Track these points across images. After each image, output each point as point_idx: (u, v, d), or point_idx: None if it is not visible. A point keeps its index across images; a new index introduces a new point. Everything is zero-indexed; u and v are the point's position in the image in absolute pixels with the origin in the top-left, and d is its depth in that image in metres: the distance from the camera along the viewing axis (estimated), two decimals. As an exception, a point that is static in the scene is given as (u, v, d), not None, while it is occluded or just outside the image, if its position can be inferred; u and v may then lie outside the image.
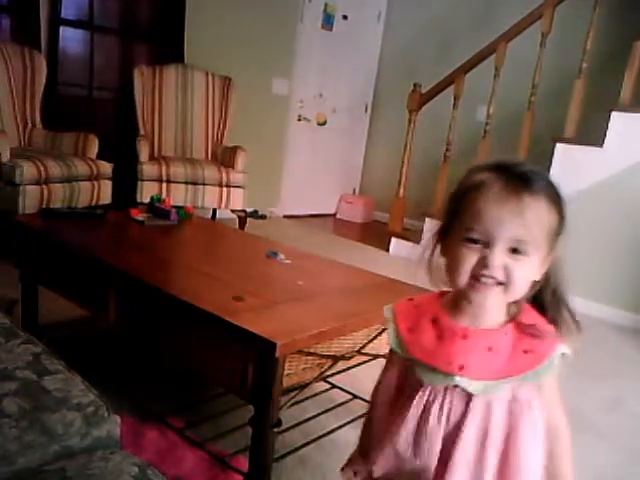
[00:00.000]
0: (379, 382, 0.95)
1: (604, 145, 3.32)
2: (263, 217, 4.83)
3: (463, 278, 0.79)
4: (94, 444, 0.95)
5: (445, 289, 0.87)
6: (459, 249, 0.79)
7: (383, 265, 3.34)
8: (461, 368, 0.81)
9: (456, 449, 0.82)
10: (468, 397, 0.82)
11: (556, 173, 3.46)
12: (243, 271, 1.81)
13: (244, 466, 1.42)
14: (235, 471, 1.45)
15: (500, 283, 0.78)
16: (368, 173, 5.79)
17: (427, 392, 0.84)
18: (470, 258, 0.78)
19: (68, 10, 3.71)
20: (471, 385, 0.81)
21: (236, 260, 1.98)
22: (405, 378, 0.89)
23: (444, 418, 0.83)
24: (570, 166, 3.44)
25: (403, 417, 0.86)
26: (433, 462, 0.84)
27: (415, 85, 4.30)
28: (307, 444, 1.61)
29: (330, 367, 1.48)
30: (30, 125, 3.46)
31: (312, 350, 1.38)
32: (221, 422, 1.66)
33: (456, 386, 0.82)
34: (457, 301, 0.84)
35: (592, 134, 3.41)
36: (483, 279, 0.78)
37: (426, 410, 0.84)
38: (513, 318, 0.83)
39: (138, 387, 1.86)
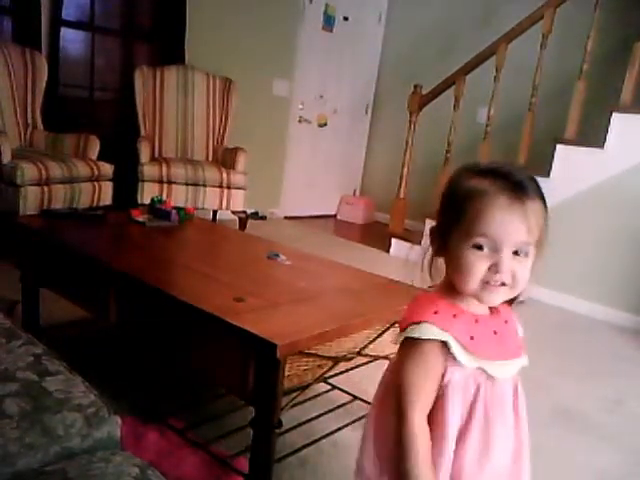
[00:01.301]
0: (444, 427, 0.86)
1: (605, 146, 3.32)
2: (264, 218, 4.83)
3: (474, 284, 0.84)
4: (95, 445, 0.95)
5: (437, 284, 0.92)
6: (467, 256, 0.83)
7: (383, 266, 3.33)
8: (520, 349, 0.92)
9: (520, 430, 0.91)
10: (515, 377, 0.92)
11: (557, 174, 3.46)
12: (244, 272, 1.81)
13: (245, 467, 1.41)
14: (236, 472, 1.45)
15: (506, 284, 0.84)
16: (369, 174, 5.79)
17: (499, 386, 0.89)
18: (480, 265, 0.82)
19: (69, 11, 3.72)
20: (525, 362, 0.92)
21: (237, 261, 1.98)
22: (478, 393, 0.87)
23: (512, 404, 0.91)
24: (571, 167, 3.44)
25: (489, 429, 0.87)
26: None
27: (416, 86, 4.30)
28: (308, 445, 1.61)
29: (331, 368, 1.47)
30: (31, 126, 3.46)
31: (313, 351, 1.38)
32: (222, 423, 1.66)
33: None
34: (465, 298, 0.88)
35: (593, 135, 3.41)
36: (492, 282, 0.83)
37: (502, 405, 0.89)
38: None
39: (139, 388, 1.86)
